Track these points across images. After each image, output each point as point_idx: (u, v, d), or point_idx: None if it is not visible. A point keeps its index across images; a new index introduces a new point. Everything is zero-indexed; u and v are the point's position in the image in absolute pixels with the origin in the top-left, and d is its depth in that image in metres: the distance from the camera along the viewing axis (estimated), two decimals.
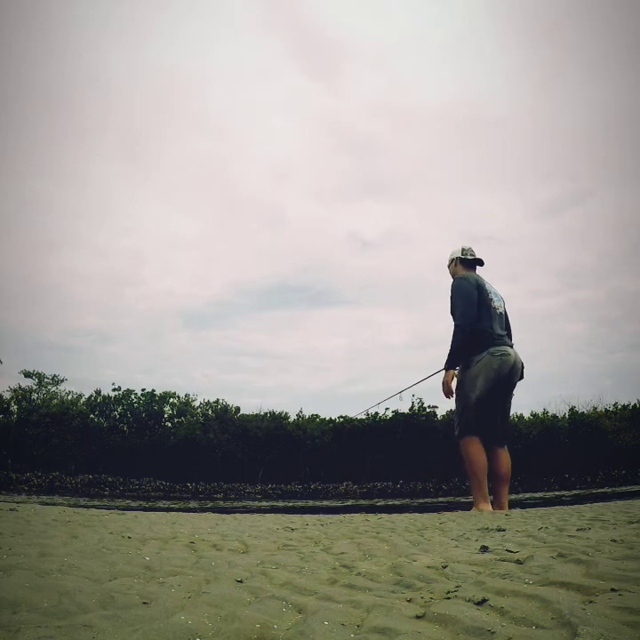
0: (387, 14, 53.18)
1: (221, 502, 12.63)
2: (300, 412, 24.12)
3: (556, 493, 11.74)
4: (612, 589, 1.08)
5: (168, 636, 0.92)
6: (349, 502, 11.91)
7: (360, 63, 53.44)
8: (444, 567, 1.45)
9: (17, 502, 5.22)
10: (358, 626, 0.99)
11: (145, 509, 6.67)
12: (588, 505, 4.17)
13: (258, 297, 47.24)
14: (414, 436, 21.00)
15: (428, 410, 21.90)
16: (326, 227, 50.87)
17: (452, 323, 4.45)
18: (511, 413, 4.76)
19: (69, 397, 24.98)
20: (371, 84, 52.13)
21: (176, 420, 24.32)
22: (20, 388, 24.54)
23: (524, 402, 27.49)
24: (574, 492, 12.08)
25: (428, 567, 1.46)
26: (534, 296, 42.91)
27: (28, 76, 44.96)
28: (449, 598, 1.13)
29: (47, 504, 5.71)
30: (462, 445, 4.32)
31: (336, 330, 45.54)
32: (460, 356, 4.43)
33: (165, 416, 24.57)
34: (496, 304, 4.49)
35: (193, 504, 11.52)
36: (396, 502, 10.81)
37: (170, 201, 51.33)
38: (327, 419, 23.57)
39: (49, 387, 25.61)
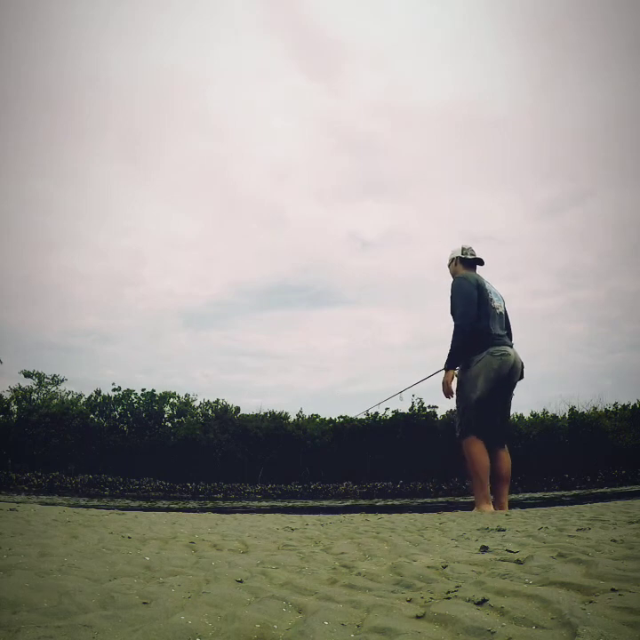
0: (387, 14, 53.23)
1: (221, 502, 12.63)
2: (300, 411, 24.15)
3: (556, 493, 11.74)
4: (612, 589, 1.08)
5: (168, 636, 0.92)
6: (349, 502, 11.91)
7: (360, 63, 53.49)
8: (444, 567, 1.45)
9: (17, 502, 5.22)
10: (358, 626, 0.99)
11: (145, 509, 6.67)
12: (588, 505, 4.17)
13: (258, 297, 47.28)
14: (414, 435, 20.99)
15: (428, 410, 21.90)
16: (326, 227, 50.91)
17: (452, 323, 4.46)
18: (511, 413, 4.76)
19: (69, 397, 25.01)
20: (371, 84, 52.18)
21: (176, 419, 24.33)
22: (20, 387, 24.56)
23: (524, 402, 27.50)
24: (574, 491, 12.08)
25: (428, 567, 1.46)
26: (534, 296, 42.93)
27: (28, 75, 45.01)
28: (449, 598, 1.13)
29: (47, 504, 5.71)
30: (464, 446, 4.32)
31: (336, 330, 45.57)
32: (459, 356, 4.43)
33: (165, 416, 24.57)
34: (496, 304, 4.49)
35: (193, 504, 11.52)
36: (396, 502, 10.81)
37: (170, 201, 51.37)
38: (327, 419, 23.58)
39: (49, 387, 25.64)
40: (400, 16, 53.47)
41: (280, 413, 23.86)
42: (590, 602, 1.03)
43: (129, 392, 24.56)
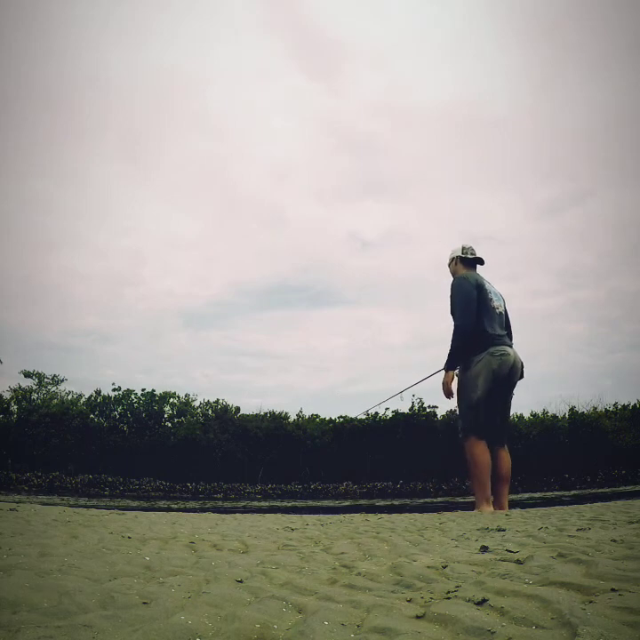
0: (387, 14, 53.11)
1: (221, 502, 12.63)
2: (300, 412, 24.13)
3: (556, 493, 11.74)
4: (612, 589, 1.08)
5: (168, 636, 0.92)
6: (349, 502, 11.91)
7: (360, 63, 53.37)
8: (444, 567, 1.45)
9: (17, 502, 5.22)
10: (358, 626, 0.99)
11: (145, 509, 6.67)
12: (588, 505, 4.17)
13: (258, 297, 47.23)
14: (414, 435, 20.99)
15: (428, 410, 21.89)
16: (326, 227, 50.82)
17: (452, 322, 4.46)
18: (511, 413, 4.76)
19: (69, 397, 24.99)
20: (371, 84, 52.07)
21: (176, 420, 24.31)
22: (20, 388, 24.54)
23: (524, 402, 27.46)
24: (574, 491, 12.08)
25: (428, 567, 1.46)
26: (534, 296, 42.84)
27: (28, 75, 44.92)
28: (449, 598, 1.13)
29: (47, 504, 5.71)
30: (467, 447, 4.32)
31: (336, 330, 45.50)
32: (459, 356, 4.43)
33: (165, 416, 24.56)
34: (495, 303, 4.49)
35: (193, 504, 11.52)
36: (396, 502, 10.81)
37: (170, 201, 51.29)
38: (327, 419, 23.56)
39: (49, 387, 25.62)
40: (400, 16, 53.37)
41: (280, 413, 23.86)
42: (590, 602, 1.03)
43: (129, 392, 24.56)
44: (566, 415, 21.19)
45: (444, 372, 4.51)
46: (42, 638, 0.87)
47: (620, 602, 1.00)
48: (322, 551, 1.91)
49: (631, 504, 3.70)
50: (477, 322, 4.35)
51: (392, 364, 39.59)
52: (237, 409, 24.67)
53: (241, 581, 1.34)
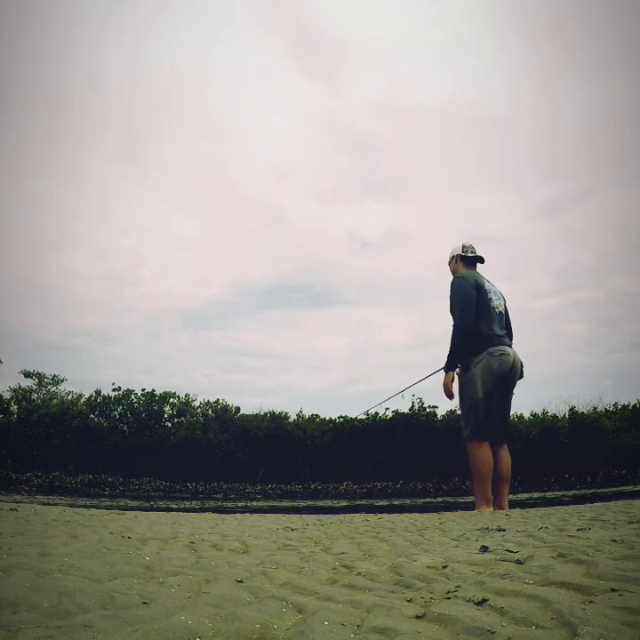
0: (387, 14, 53.08)
1: (221, 502, 12.63)
2: (300, 412, 24.13)
3: (556, 493, 11.75)
4: (612, 589, 1.08)
5: (168, 636, 0.92)
6: (349, 502, 11.91)
7: (360, 63, 53.35)
8: (444, 567, 1.45)
9: (17, 502, 5.22)
10: (358, 626, 0.99)
11: (145, 509, 6.67)
12: (588, 505, 4.17)
13: (258, 297, 47.20)
14: (414, 436, 20.99)
15: (428, 410, 21.89)
16: (326, 227, 50.79)
17: (452, 322, 4.46)
18: (511, 413, 4.76)
19: (69, 397, 24.98)
20: (371, 84, 52.03)
21: (176, 420, 24.31)
22: (20, 388, 24.53)
23: (524, 402, 27.47)
24: (574, 491, 12.08)
25: (428, 567, 1.46)
26: (534, 296, 42.80)
27: (28, 75, 44.89)
28: (449, 598, 1.13)
29: (47, 504, 5.71)
30: (469, 447, 4.31)
31: (336, 330, 45.48)
32: (458, 356, 4.43)
33: (165, 416, 24.56)
34: (495, 303, 4.49)
35: (193, 504, 11.52)
36: (396, 502, 10.81)
37: (170, 201, 51.26)
38: (327, 419, 23.56)
39: (49, 387, 25.61)
40: (400, 16, 53.33)
41: (280, 413, 23.86)
42: (590, 602, 1.03)
43: (129, 392, 24.56)
44: (566, 415, 21.19)
45: (443, 372, 4.50)
46: (42, 638, 0.87)
47: (620, 602, 1.00)
48: (322, 551, 1.91)
49: (631, 504, 3.70)
50: (477, 322, 4.35)
51: (392, 364, 39.58)
52: (237, 409, 24.68)
53: (241, 581, 1.34)
